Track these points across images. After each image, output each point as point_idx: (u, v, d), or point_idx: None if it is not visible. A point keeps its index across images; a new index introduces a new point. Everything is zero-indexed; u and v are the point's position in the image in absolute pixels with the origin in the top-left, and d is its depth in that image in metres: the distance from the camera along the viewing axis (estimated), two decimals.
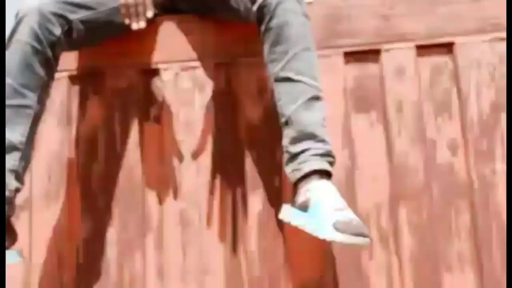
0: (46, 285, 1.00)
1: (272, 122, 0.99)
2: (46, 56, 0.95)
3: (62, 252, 1.02)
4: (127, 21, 0.96)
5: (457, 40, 1.05)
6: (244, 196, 1.02)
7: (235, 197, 1.03)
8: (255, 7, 0.95)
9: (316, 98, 0.92)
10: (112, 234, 1.02)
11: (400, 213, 0.99)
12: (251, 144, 1.05)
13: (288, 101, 0.92)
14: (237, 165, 1.04)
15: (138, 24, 0.95)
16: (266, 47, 0.95)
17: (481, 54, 1.04)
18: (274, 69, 0.94)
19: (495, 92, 1.02)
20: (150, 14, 0.96)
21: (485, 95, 1.03)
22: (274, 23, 0.93)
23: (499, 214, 0.97)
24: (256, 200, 1.01)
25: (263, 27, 0.95)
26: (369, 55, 1.06)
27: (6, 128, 0.89)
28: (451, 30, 1.05)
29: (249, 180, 1.03)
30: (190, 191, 1.02)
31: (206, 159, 1.05)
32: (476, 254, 0.96)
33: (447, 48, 1.05)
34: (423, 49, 1.05)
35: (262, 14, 0.94)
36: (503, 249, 0.95)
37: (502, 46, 1.03)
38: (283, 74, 0.93)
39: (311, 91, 0.92)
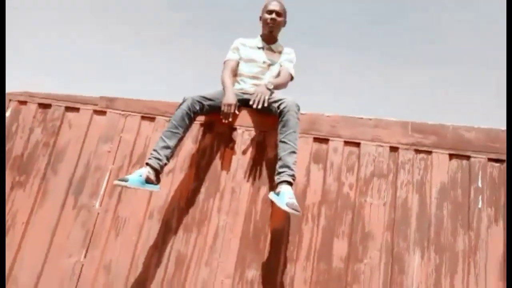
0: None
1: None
2: (190, 116, 2.48)
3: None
4: (222, 117, 2.47)
5: (362, 142, 2.43)
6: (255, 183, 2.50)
7: (259, 186, 2.52)
8: (278, 111, 2.41)
9: (294, 152, 2.35)
10: None
11: None
12: (268, 166, 2.52)
13: (282, 151, 2.36)
14: (258, 167, 2.52)
15: (228, 120, 2.46)
16: (279, 127, 2.40)
17: (370, 150, 2.42)
18: (280, 137, 2.39)
19: (373, 170, 2.41)
20: (265, 104, 2.43)
21: (368, 168, 2.41)
22: (284, 118, 2.38)
23: None
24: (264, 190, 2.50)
25: (280, 119, 2.40)
26: (324, 141, 2.48)
27: (168, 139, 2.41)
28: (359, 137, 2.44)
29: (262, 183, 2.51)
30: (238, 180, 2.54)
31: (244, 168, 2.54)
32: None
33: (357, 145, 2.44)
34: (347, 143, 2.45)
35: (281, 114, 2.39)
36: None
37: (380, 149, 2.41)
38: (283, 139, 2.37)
39: (292, 148, 2.35)
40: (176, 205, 2.47)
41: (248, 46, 2.73)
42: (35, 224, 2.51)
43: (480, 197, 2.31)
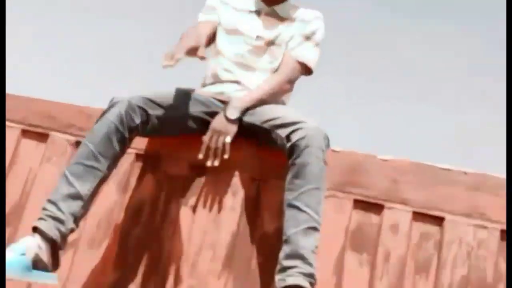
0: None
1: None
2: (124, 136, 1.22)
3: None
4: (201, 156, 1.24)
5: (447, 216, 1.27)
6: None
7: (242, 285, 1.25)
8: (288, 144, 1.20)
9: (314, 228, 1.14)
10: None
11: None
12: (262, 250, 1.28)
13: (291, 224, 1.15)
14: (245, 260, 1.27)
15: (213, 163, 1.23)
16: (289, 177, 1.20)
17: (464, 234, 1.25)
18: (290, 197, 1.18)
19: (468, 270, 1.23)
20: (226, 156, 1.24)
21: (459, 269, 1.23)
22: (299, 161, 1.18)
23: None
24: None
25: (290, 161, 1.20)
26: (374, 207, 1.29)
27: (78, 181, 1.15)
28: (444, 207, 1.28)
29: (253, 278, 1.25)
30: (203, 273, 1.26)
31: (222, 249, 1.28)
32: None
33: (438, 220, 1.27)
34: (418, 216, 1.28)
35: (292, 151, 1.19)
36: None
37: (483, 233, 1.25)
38: (295, 203, 1.16)
39: (312, 222, 1.14)
40: None
41: (232, 7, 1.52)
42: None
43: None
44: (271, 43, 1.44)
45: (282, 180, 1.24)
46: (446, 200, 1.28)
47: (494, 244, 1.25)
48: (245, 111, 1.33)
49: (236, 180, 1.33)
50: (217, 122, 1.30)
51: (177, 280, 1.25)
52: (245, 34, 1.45)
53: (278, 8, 1.49)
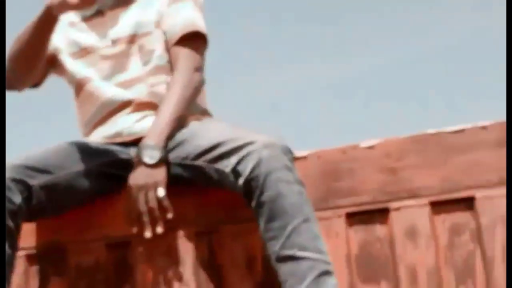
0: None
1: None
2: (8, 228, 0.81)
3: None
4: (134, 230, 0.84)
5: (478, 194, 0.89)
6: None
7: None
8: (241, 181, 0.80)
9: (326, 273, 0.79)
10: None
11: None
12: None
13: (295, 283, 0.78)
14: None
15: (155, 231, 0.85)
16: (261, 224, 0.82)
17: (505, 209, 0.88)
18: (274, 248, 0.80)
19: None
20: (170, 215, 0.86)
21: None
22: (265, 196, 0.79)
23: None
24: None
25: (254, 202, 0.81)
26: (376, 215, 0.90)
27: None
28: (471, 183, 0.89)
29: None
30: None
31: None
32: None
33: (467, 203, 0.89)
34: (439, 206, 0.90)
35: (250, 188, 0.80)
36: None
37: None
38: (285, 252, 0.79)
39: (319, 266, 0.79)
40: None
41: (67, 23, 1.03)
42: None
43: None
44: (134, 37, 0.99)
45: (242, 222, 0.84)
46: (470, 173, 0.90)
47: None
48: (167, 144, 0.90)
49: (181, 242, 0.92)
50: (137, 175, 0.87)
51: None
52: (97, 46, 0.99)
53: None
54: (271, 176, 0.79)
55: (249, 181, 0.80)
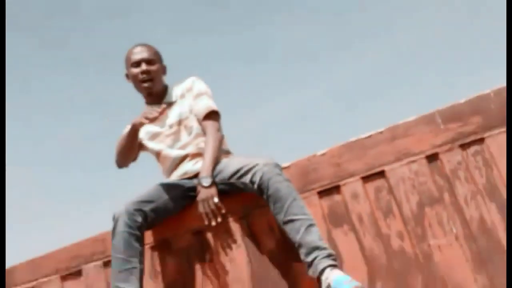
0: None
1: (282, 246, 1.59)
2: (137, 235, 1.57)
3: None
4: (206, 222, 1.57)
5: (386, 168, 1.63)
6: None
7: None
8: (255, 186, 1.55)
9: (311, 225, 1.49)
10: None
11: None
12: (276, 261, 1.64)
13: (294, 233, 1.48)
14: (260, 270, 1.63)
15: (216, 222, 1.57)
16: (271, 207, 1.54)
17: (402, 174, 1.62)
18: (280, 217, 1.51)
19: (419, 196, 1.59)
20: (223, 211, 1.59)
21: (412, 199, 1.60)
22: (270, 192, 1.52)
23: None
24: None
25: (264, 196, 1.54)
26: (334, 190, 1.65)
27: (127, 285, 1.49)
28: (381, 163, 1.63)
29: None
30: None
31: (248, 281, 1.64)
32: None
33: (381, 174, 1.63)
34: (366, 178, 1.64)
35: (261, 189, 1.54)
36: None
37: (415, 166, 1.61)
38: (286, 218, 1.49)
39: (307, 222, 1.48)
40: None
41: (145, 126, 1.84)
42: None
43: None
44: (182, 120, 1.80)
45: (262, 207, 1.59)
46: (379, 158, 1.65)
47: (425, 169, 1.62)
48: (213, 174, 1.66)
49: (233, 225, 1.68)
50: (201, 194, 1.62)
51: None
52: (161, 131, 1.82)
53: (168, 98, 1.86)
54: (270, 180, 1.52)
55: (259, 185, 1.53)
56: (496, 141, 1.61)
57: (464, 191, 1.59)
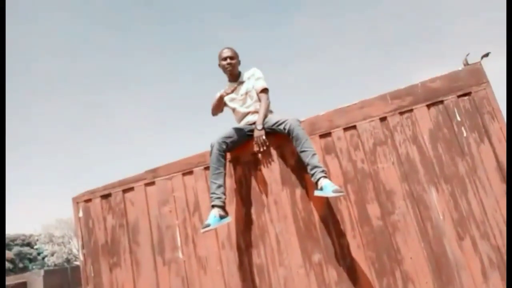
0: None
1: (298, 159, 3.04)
2: (223, 154, 3.07)
3: None
4: (256, 149, 3.06)
5: (357, 124, 3.00)
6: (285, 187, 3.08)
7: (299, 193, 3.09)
8: (286, 131, 2.99)
9: (315, 154, 2.93)
10: None
11: None
12: (294, 166, 3.09)
13: (305, 157, 2.92)
14: (287, 175, 3.10)
15: (263, 149, 3.05)
16: (294, 143, 2.96)
17: (367, 128, 2.98)
18: (298, 148, 2.95)
19: (374, 140, 2.96)
20: (267, 143, 3.05)
21: (375, 143, 2.97)
22: (294, 134, 2.95)
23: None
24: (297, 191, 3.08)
25: (290, 137, 2.98)
26: (327, 135, 3.05)
27: (217, 180, 3.02)
28: (354, 120, 3.00)
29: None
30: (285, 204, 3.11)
31: (277, 177, 3.12)
32: None
33: (354, 127, 3.01)
34: (346, 130, 3.02)
35: (289, 133, 2.97)
36: None
37: (376, 123, 2.97)
38: (302, 149, 2.93)
39: (312, 152, 2.92)
40: (238, 230, 3.06)
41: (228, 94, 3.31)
42: None
43: (462, 128, 2.86)
44: (247, 93, 3.22)
45: (289, 142, 3.03)
46: (353, 118, 3.02)
47: (379, 125, 2.97)
48: (263, 123, 3.11)
49: (271, 150, 3.15)
50: (256, 133, 3.07)
51: (265, 199, 3.11)
52: (236, 97, 3.25)
53: (241, 79, 3.28)
54: (294, 129, 2.94)
55: (288, 131, 2.96)
56: (419, 111, 2.93)
57: (399, 138, 2.94)
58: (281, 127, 2.97)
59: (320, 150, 3.06)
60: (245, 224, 3.07)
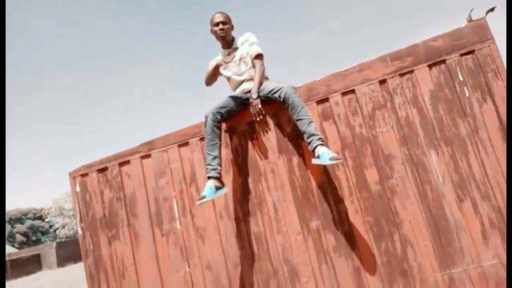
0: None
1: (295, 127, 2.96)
2: (218, 125, 3.00)
3: None
4: (254, 118, 2.97)
5: (355, 88, 2.88)
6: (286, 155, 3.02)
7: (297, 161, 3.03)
8: (282, 99, 2.88)
9: (311, 121, 2.84)
10: None
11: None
12: (290, 134, 3.02)
13: (302, 125, 2.84)
14: (283, 143, 3.03)
15: (259, 118, 2.95)
16: (290, 111, 2.87)
17: (366, 92, 2.87)
18: (294, 116, 2.86)
19: (373, 105, 2.86)
20: (263, 112, 2.95)
21: (374, 108, 2.87)
22: (289, 102, 2.85)
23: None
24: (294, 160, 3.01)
25: (286, 105, 2.88)
26: (324, 100, 2.95)
27: (212, 152, 2.97)
28: (352, 85, 2.89)
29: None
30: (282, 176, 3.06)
31: (274, 145, 3.05)
32: None
33: (352, 91, 2.89)
34: (344, 94, 2.91)
35: (285, 101, 2.87)
36: None
37: (376, 86, 2.86)
38: (298, 117, 2.84)
39: (309, 119, 2.83)
40: (235, 200, 3.03)
41: (221, 60, 3.19)
42: (141, 260, 3.15)
43: (465, 88, 2.74)
44: (241, 59, 3.09)
45: (284, 109, 2.94)
46: (351, 82, 2.90)
47: (378, 88, 2.86)
48: (258, 91, 3.00)
49: (267, 118, 3.06)
50: (251, 102, 2.99)
51: (262, 168, 3.06)
52: (230, 63, 3.12)
53: (234, 45, 3.13)
54: (290, 96, 2.84)
55: (284, 98, 2.86)
56: (420, 72, 2.80)
57: (398, 101, 2.84)
58: (276, 95, 2.87)
59: (318, 116, 2.97)
60: (242, 194, 3.03)
